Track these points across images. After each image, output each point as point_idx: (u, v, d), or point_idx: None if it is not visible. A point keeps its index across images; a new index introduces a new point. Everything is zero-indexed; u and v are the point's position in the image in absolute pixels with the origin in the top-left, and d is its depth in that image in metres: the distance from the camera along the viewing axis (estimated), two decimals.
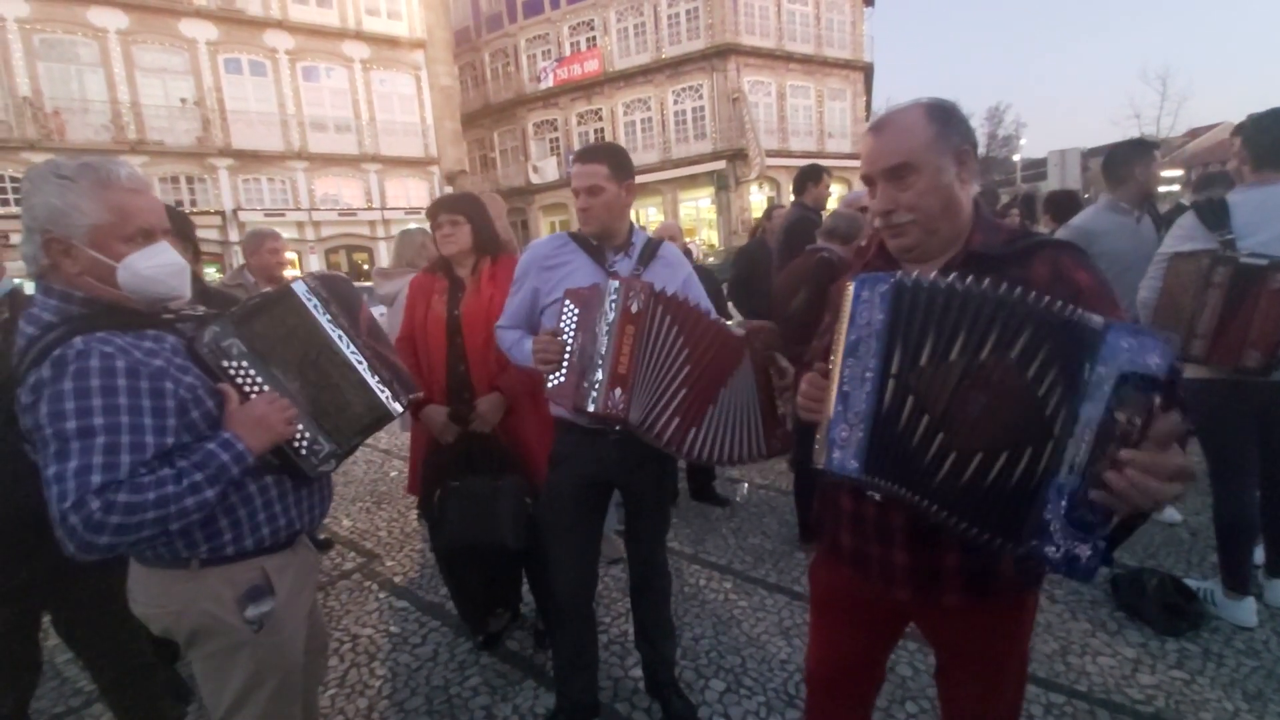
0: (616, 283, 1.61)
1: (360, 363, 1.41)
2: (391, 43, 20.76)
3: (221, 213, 18.08)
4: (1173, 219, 2.68)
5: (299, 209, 19.36)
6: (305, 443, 1.30)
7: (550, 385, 1.67)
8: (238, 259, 3.89)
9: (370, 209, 20.58)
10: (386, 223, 20.47)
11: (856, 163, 1.19)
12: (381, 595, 3.04)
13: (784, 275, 3.28)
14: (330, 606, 2.94)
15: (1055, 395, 0.89)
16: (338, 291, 1.44)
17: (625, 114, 23.80)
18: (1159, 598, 2.43)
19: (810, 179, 4.20)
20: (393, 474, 4.83)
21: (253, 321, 1.29)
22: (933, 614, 1.25)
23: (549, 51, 24.92)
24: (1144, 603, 2.46)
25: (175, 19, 17.34)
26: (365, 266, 20.75)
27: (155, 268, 1.21)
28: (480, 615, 2.54)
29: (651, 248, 1.96)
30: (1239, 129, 3.01)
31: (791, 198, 4.38)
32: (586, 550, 1.99)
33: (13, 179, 15.71)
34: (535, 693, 2.27)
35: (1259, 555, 2.53)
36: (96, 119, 16.59)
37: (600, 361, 1.58)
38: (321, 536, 3.58)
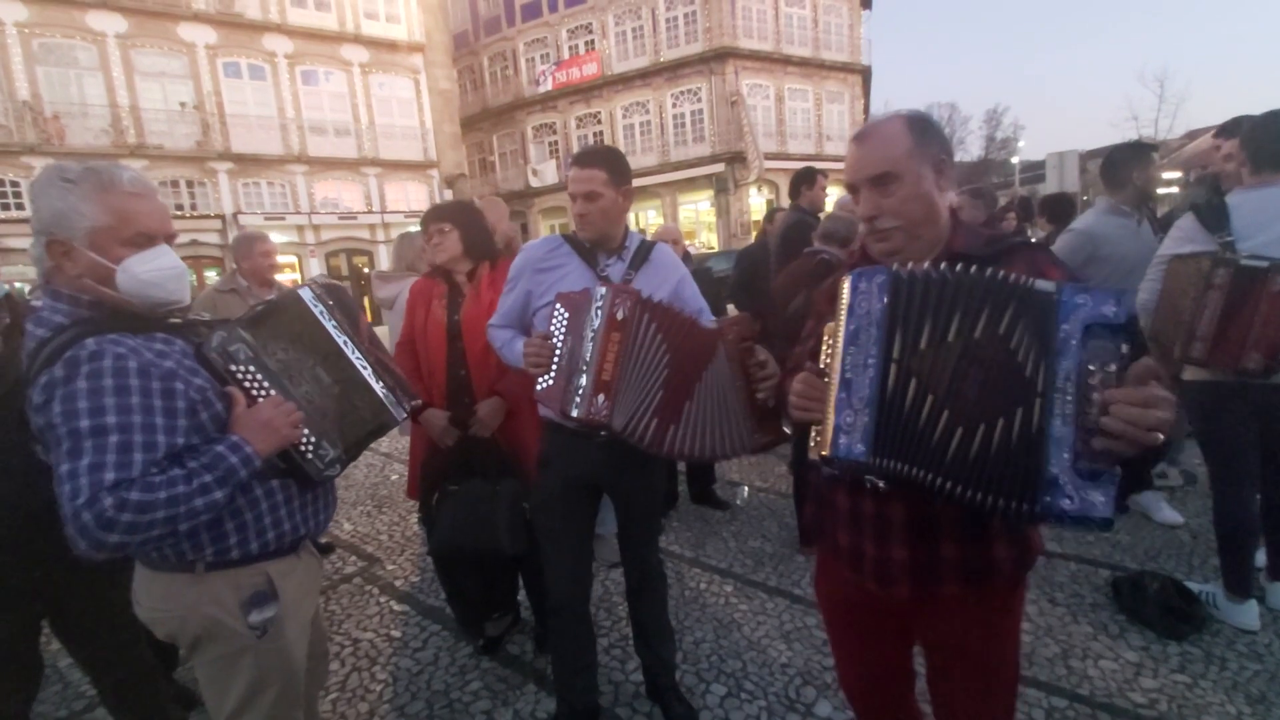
0: (604, 289, 1.63)
1: (365, 368, 1.43)
2: (390, 46, 20.79)
3: (221, 216, 18.09)
4: (1169, 222, 2.68)
5: (299, 212, 19.36)
6: (311, 447, 1.31)
7: (540, 388, 1.69)
8: None
9: (370, 212, 20.59)
10: (386, 226, 20.48)
11: None
12: (382, 599, 3.03)
13: (782, 277, 3.28)
14: (331, 611, 2.93)
15: (1033, 357, 0.96)
16: (340, 299, 1.45)
17: (624, 117, 23.83)
18: (1161, 601, 2.43)
19: (804, 182, 4.21)
20: (394, 478, 4.83)
21: (260, 326, 1.31)
22: (930, 610, 1.25)
23: (547, 55, 24.95)
24: (1145, 606, 2.45)
25: (174, 23, 17.35)
26: (365, 270, 20.76)
27: (153, 271, 1.21)
28: (477, 619, 2.54)
29: (644, 251, 1.95)
30: (1221, 131, 3.02)
31: (788, 200, 4.39)
32: (577, 550, 1.98)
33: (12, 183, 15.71)
34: (536, 697, 2.27)
35: (1260, 558, 2.53)
36: (96, 123, 16.59)
37: (585, 367, 1.59)
38: (323, 540, 3.58)
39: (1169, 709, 2.04)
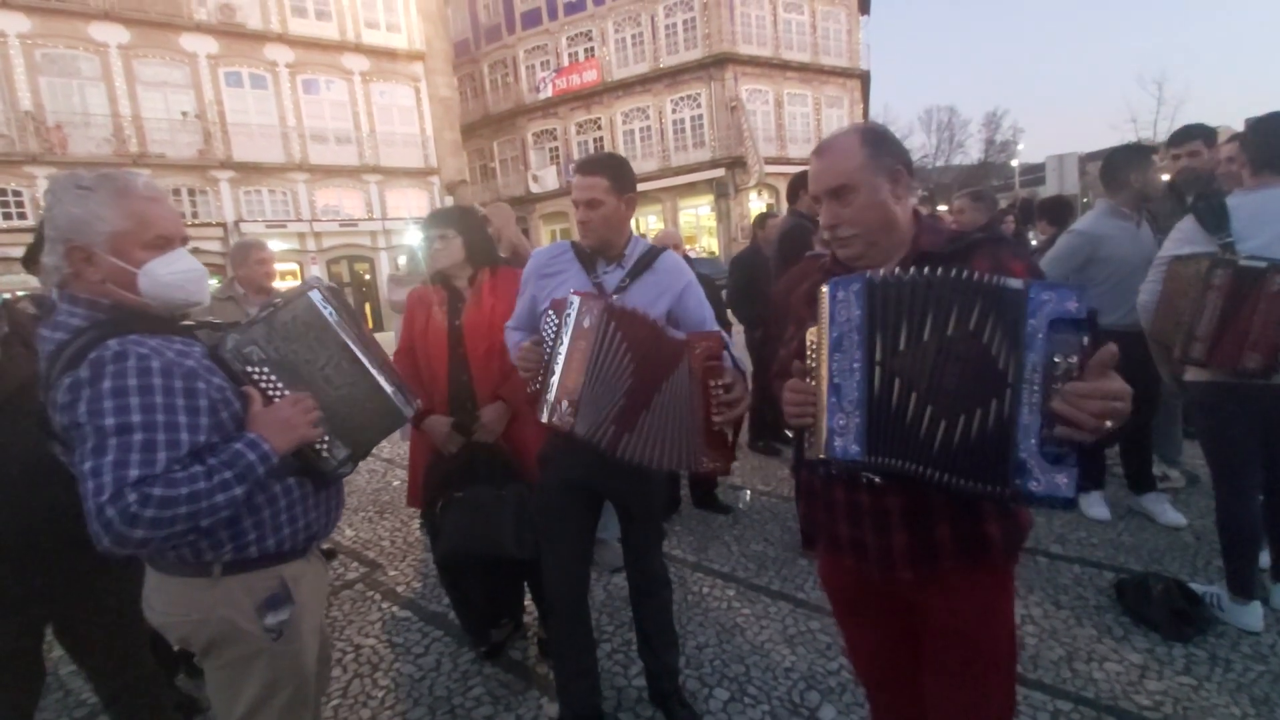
0: (577, 298, 1.67)
1: (373, 368, 1.45)
2: (391, 55, 20.88)
3: (223, 224, 18.13)
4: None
5: (300, 220, 19.41)
6: (325, 445, 1.35)
7: (529, 390, 1.75)
8: None
9: (371, 220, 20.64)
10: (387, 233, 20.53)
11: None
12: (384, 605, 3.03)
13: (784, 282, 3.28)
14: (333, 616, 2.93)
15: (1005, 350, 1.02)
16: (342, 301, 1.47)
17: (624, 123, 23.92)
18: (1165, 603, 2.42)
19: (802, 187, 4.21)
20: (395, 483, 4.83)
21: (273, 328, 1.33)
22: (930, 591, 1.28)
23: (547, 62, 25.08)
24: (1150, 608, 2.44)
25: (176, 33, 17.45)
26: (366, 277, 20.81)
27: (176, 274, 1.25)
28: (483, 626, 2.54)
29: (647, 259, 1.95)
30: (1170, 142, 3.16)
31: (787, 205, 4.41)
32: (574, 550, 1.98)
33: (15, 193, 15.78)
34: (539, 703, 2.26)
35: (1265, 559, 2.53)
36: (98, 132, 16.67)
37: (554, 373, 1.65)
38: (325, 546, 3.57)
39: (1174, 711, 2.03)
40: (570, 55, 24.59)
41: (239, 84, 18.48)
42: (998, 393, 1.02)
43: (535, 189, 25.81)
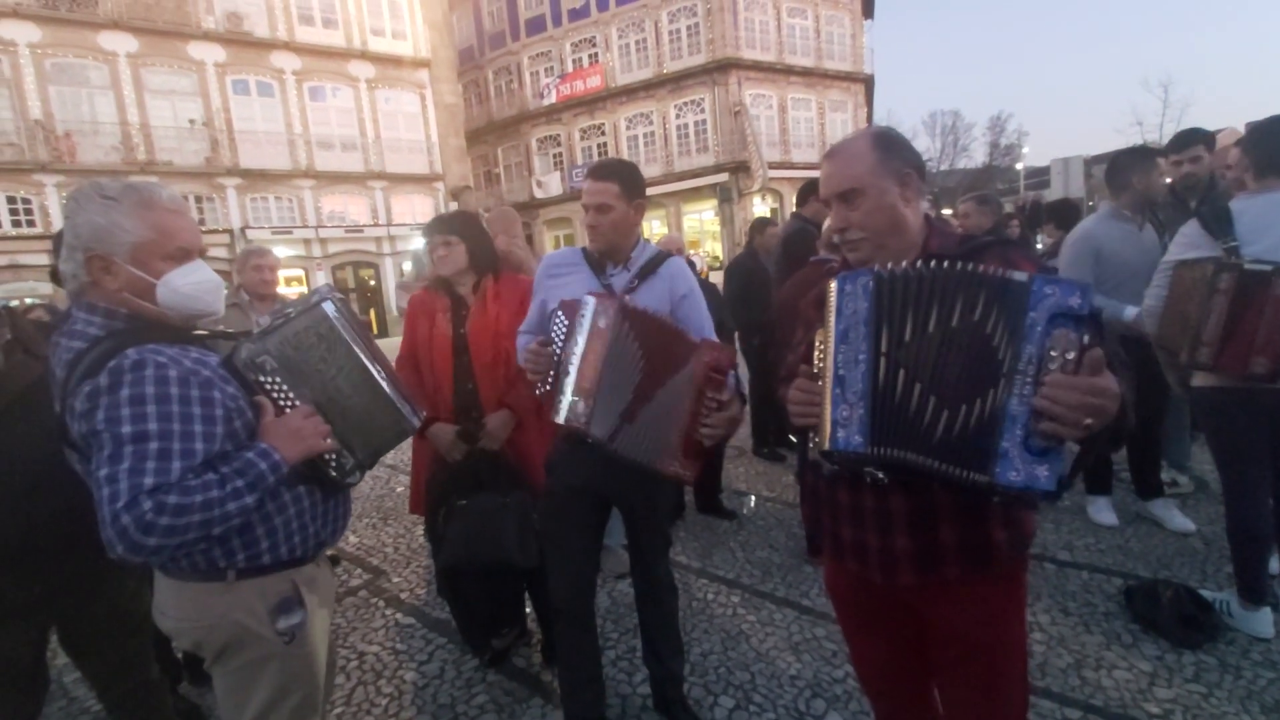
0: (592, 299, 1.67)
1: (382, 379, 1.46)
2: (396, 62, 21.01)
3: (230, 231, 18.25)
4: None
5: (306, 226, 19.52)
6: (334, 455, 1.36)
7: (538, 392, 1.74)
8: None
9: (376, 225, 20.73)
10: (392, 239, 20.64)
11: None
12: (388, 612, 3.03)
13: (789, 286, 3.28)
14: (337, 623, 2.93)
15: (1004, 341, 1.03)
16: (352, 313, 1.48)
17: (628, 128, 23.96)
18: (1174, 609, 2.39)
19: (813, 192, 4.23)
20: (399, 490, 4.84)
21: (286, 338, 1.35)
22: (935, 597, 1.27)
23: (551, 68, 25.16)
24: (1159, 614, 2.42)
25: (184, 42, 17.61)
26: (371, 282, 20.89)
27: (194, 285, 1.27)
28: (484, 635, 2.53)
29: (653, 263, 1.96)
30: (1169, 148, 3.14)
31: (793, 209, 4.41)
32: (579, 556, 1.98)
33: (24, 201, 15.92)
34: (542, 711, 2.26)
35: (1275, 565, 2.50)
36: (107, 140, 16.81)
37: (569, 374, 1.64)
38: (329, 553, 3.58)
39: (1184, 719, 2.01)
40: (574, 61, 24.67)
41: (246, 91, 18.63)
42: (992, 382, 1.03)
43: (539, 194, 25.87)
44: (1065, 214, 4.71)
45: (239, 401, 1.25)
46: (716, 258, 22.03)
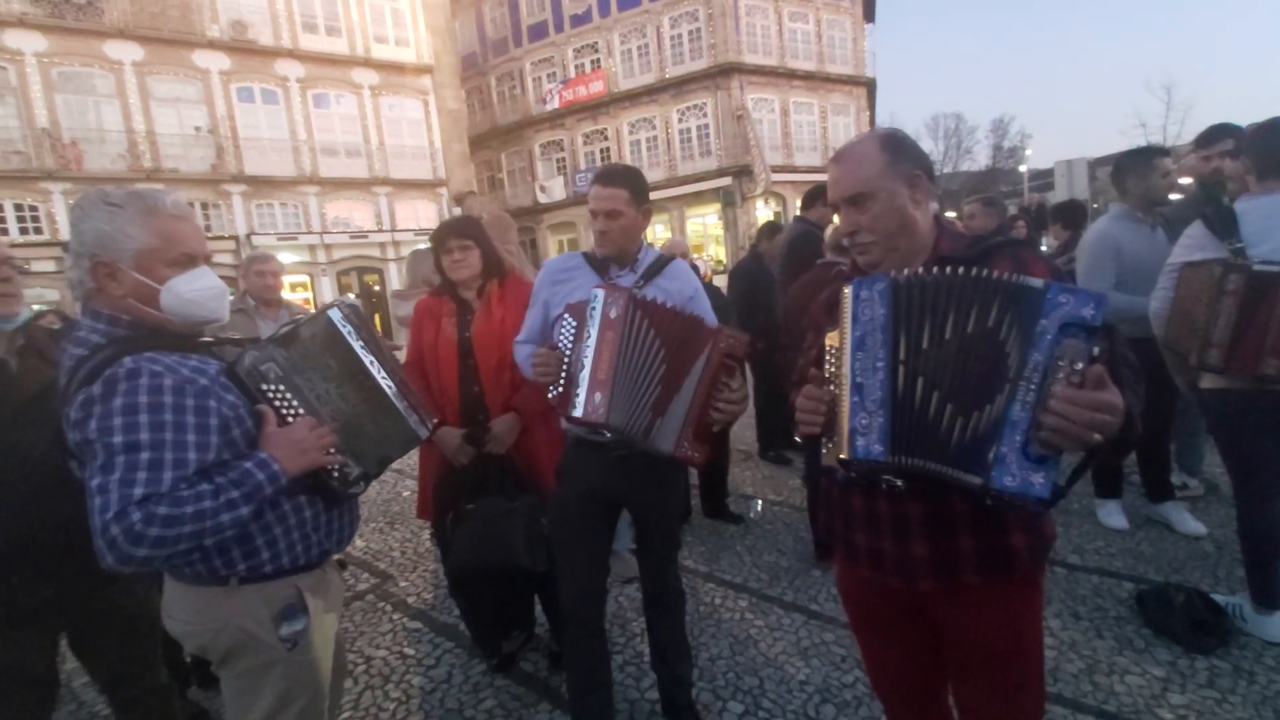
0: (600, 290, 1.67)
1: (390, 388, 1.46)
2: (400, 69, 21.10)
3: (235, 237, 18.32)
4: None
5: (311, 232, 19.59)
6: (337, 466, 1.34)
7: (549, 395, 1.73)
8: None
9: (380, 231, 20.80)
10: (396, 244, 20.68)
11: None
12: (395, 616, 3.02)
13: (798, 288, 3.27)
14: (344, 628, 2.90)
15: (1013, 346, 1.03)
16: (362, 319, 1.48)
17: (630, 133, 24.02)
18: (1186, 614, 2.37)
19: (820, 197, 4.23)
20: (405, 494, 4.84)
21: (291, 346, 1.34)
22: (952, 603, 1.26)
23: (554, 74, 25.25)
24: (1171, 619, 2.40)
25: (189, 50, 17.71)
26: (375, 288, 20.95)
27: (197, 291, 1.26)
28: (494, 638, 2.52)
29: (658, 265, 1.98)
30: (1199, 142, 3.08)
31: (797, 212, 4.41)
32: (592, 563, 1.98)
33: (30, 208, 16.01)
34: (550, 715, 2.25)
35: None
36: (113, 148, 16.91)
37: (584, 368, 1.64)
38: (336, 558, 3.58)
39: None
40: (577, 67, 24.76)
41: (251, 99, 18.72)
42: (998, 387, 1.03)
43: (543, 199, 25.95)
44: (1073, 215, 4.69)
45: (239, 410, 1.24)
46: (720, 261, 22.03)
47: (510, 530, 2.18)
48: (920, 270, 1.13)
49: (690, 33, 22.44)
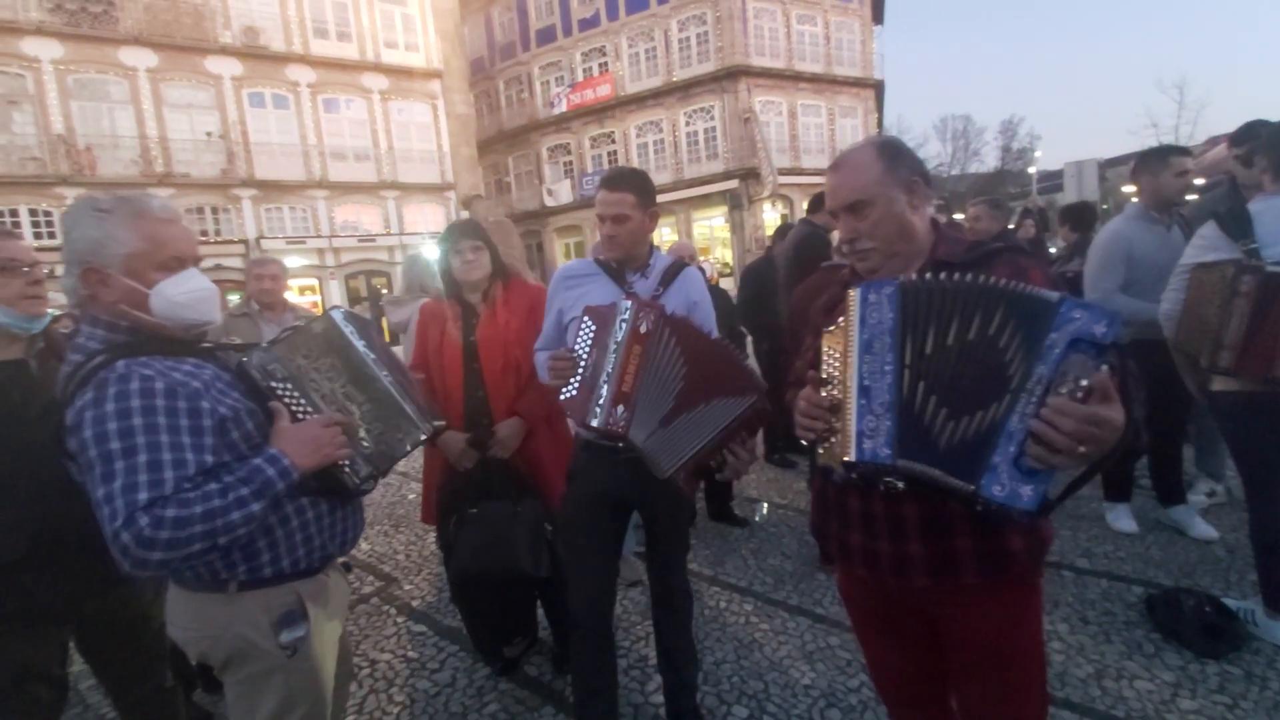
0: (629, 303, 1.66)
1: (393, 387, 1.46)
2: (409, 74, 21.27)
3: (245, 241, 18.49)
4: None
5: (319, 236, 19.76)
6: (348, 463, 1.35)
7: (562, 397, 1.72)
8: None
9: (388, 234, 20.95)
10: (404, 248, 20.79)
11: None
12: (400, 620, 3.03)
13: (801, 291, 3.26)
14: (349, 631, 2.92)
15: (1018, 358, 1.02)
16: (367, 323, 1.49)
17: (638, 136, 24.07)
18: (1197, 618, 2.34)
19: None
20: (410, 497, 4.85)
21: (296, 346, 1.36)
22: (951, 602, 1.26)
23: (562, 78, 25.35)
24: (1181, 624, 2.37)
25: (202, 57, 17.93)
26: (384, 291, 21.08)
27: (186, 293, 1.26)
28: (496, 644, 2.52)
29: (673, 271, 1.99)
30: (1235, 139, 3.01)
31: (804, 214, 4.39)
32: (600, 566, 1.97)
33: (45, 213, 16.21)
34: (555, 719, 2.24)
35: None
36: (126, 154, 17.13)
37: (606, 379, 1.63)
38: (341, 560, 3.59)
39: None
40: (584, 70, 24.85)
41: (262, 104, 18.92)
42: (998, 396, 1.03)
43: (550, 203, 26.03)
44: (1082, 216, 4.64)
45: (238, 412, 1.23)
46: (727, 264, 22.02)
47: (513, 535, 2.17)
48: (929, 275, 1.13)
49: (698, 35, 22.48)
